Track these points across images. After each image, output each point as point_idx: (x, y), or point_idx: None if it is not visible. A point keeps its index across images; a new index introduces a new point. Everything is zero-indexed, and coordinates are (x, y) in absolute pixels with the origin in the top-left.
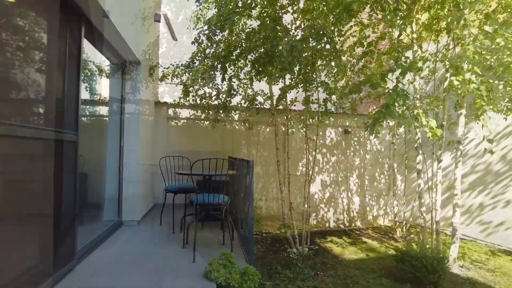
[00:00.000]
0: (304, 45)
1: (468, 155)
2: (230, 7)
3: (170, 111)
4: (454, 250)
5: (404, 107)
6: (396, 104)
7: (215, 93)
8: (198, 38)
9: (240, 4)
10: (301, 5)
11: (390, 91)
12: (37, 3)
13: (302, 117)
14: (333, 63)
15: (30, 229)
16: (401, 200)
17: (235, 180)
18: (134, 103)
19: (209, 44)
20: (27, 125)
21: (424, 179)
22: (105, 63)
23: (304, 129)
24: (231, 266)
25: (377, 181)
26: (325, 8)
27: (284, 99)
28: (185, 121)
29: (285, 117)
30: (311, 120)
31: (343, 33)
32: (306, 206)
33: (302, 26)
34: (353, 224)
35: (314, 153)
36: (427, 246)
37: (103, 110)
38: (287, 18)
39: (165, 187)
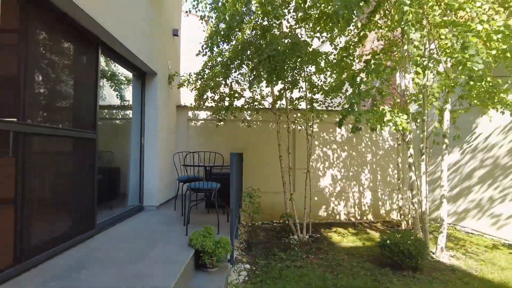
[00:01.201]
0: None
1: (478, 149)
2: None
3: (190, 113)
4: (442, 239)
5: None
6: (355, 104)
7: (217, 97)
8: (201, 50)
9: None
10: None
11: (351, 94)
12: (63, 35)
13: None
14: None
15: (63, 203)
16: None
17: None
18: (152, 107)
19: (214, 54)
20: (62, 128)
21: (424, 171)
22: (131, 74)
23: (303, 126)
24: (209, 236)
25: (391, 176)
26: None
27: (280, 100)
28: (202, 122)
29: (287, 116)
30: (316, 118)
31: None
32: (305, 197)
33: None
34: (364, 218)
35: (310, 148)
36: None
37: (129, 113)
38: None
39: (177, 177)
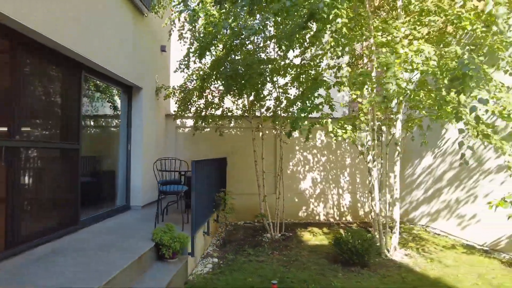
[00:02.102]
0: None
1: (447, 152)
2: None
3: (178, 121)
4: (394, 239)
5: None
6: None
7: (194, 108)
8: (178, 68)
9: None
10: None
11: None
12: (50, 63)
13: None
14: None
15: (50, 202)
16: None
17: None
18: (138, 118)
19: (194, 69)
20: (50, 141)
21: (377, 176)
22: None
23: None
24: (169, 232)
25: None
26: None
27: (252, 110)
28: (189, 129)
29: (260, 125)
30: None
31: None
32: (277, 199)
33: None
34: (343, 219)
35: (281, 153)
36: (373, 235)
37: (119, 122)
38: None
39: (158, 181)
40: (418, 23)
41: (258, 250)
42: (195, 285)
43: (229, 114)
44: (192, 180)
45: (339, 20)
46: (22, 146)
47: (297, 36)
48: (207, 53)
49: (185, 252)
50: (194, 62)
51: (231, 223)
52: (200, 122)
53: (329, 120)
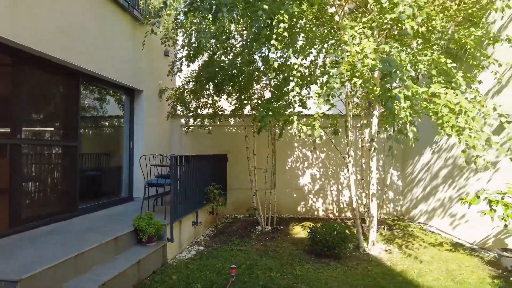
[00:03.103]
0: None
1: (442, 149)
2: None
3: (183, 120)
4: (372, 234)
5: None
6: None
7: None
8: (171, 71)
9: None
10: None
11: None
12: (50, 72)
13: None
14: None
15: (51, 192)
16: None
17: (209, 171)
18: (139, 118)
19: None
20: (53, 139)
21: (352, 171)
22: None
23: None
24: (147, 219)
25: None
26: None
27: (240, 109)
28: (193, 127)
29: (252, 122)
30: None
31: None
32: (271, 193)
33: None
34: (342, 215)
35: (274, 150)
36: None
37: (122, 123)
38: None
39: (155, 175)
40: (372, 22)
41: (244, 241)
42: (171, 266)
43: (220, 112)
44: (171, 174)
45: (281, 24)
46: (24, 144)
47: (262, 39)
48: (200, 56)
49: (163, 238)
50: (188, 66)
51: (231, 216)
52: (193, 121)
53: (295, 117)
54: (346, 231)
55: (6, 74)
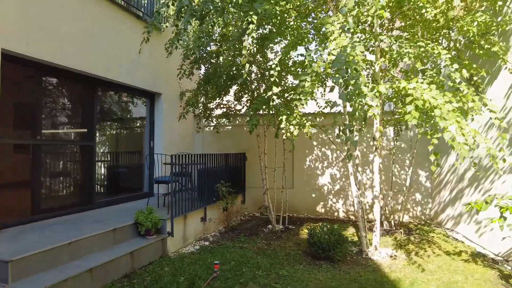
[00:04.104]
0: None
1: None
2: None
3: (204, 121)
4: (375, 239)
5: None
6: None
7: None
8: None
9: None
10: None
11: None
12: (68, 81)
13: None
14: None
15: (69, 186)
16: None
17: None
18: (159, 119)
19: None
20: (76, 141)
21: (352, 172)
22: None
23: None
24: (146, 214)
25: (396, 176)
26: None
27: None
28: (213, 127)
29: (262, 121)
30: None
31: None
32: (282, 192)
33: None
34: (365, 216)
35: (284, 149)
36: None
37: (143, 124)
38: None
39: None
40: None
41: (251, 238)
42: (169, 259)
43: (231, 112)
44: (170, 172)
45: (250, 26)
46: (44, 144)
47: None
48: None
49: (163, 231)
50: (197, 69)
51: (249, 214)
52: (205, 121)
53: (284, 117)
54: (345, 233)
55: (28, 83)
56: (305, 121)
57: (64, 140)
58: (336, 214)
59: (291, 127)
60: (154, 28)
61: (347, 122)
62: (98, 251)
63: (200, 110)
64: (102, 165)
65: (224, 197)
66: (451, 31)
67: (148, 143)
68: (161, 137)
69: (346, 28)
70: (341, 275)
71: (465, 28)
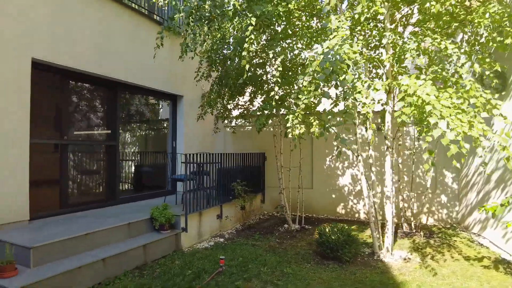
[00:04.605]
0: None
1: (494, 148)
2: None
3: (226, 121)
4: (387, 241)
5: None
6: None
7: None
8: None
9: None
10: None
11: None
12: (91, 83)
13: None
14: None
15: (95, 183)
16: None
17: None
18: (181, 120)
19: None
20: (100, 141)
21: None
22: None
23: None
24: (162, 209)
25: (420, 177)
26: None
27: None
28: (235, 127)
29: (279, 122)
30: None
31: None
32: (298, 192)
33: None
34: (379, 217)
35: (300, 149)
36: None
37: (167, 125)
38: None
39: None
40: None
41: (265, 237)
42: (182, 253)
43: (246, 113)
44: (185, 171)
45: (249, 27)
46: (70, 144)
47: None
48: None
49: (177, 227)
50: (216, 71)
51: (269, 213)
52: (222, 122)
53: (291, 116)
54: (361, 235)
55: (56, 88)
56: (312, 121)
57: (89, 140)
58: (356, 215)
59: (297, 125)
60: (173, 32)
61: (358, 121)
62: (113, 243)
63: (218, 111)
64: (127, 164)
65: (240, 196)
66: (465, 24)
67: (171, 143)
68: (183, 137)
69: (327, 26)
70: (346, 276)
71: (476, 21)
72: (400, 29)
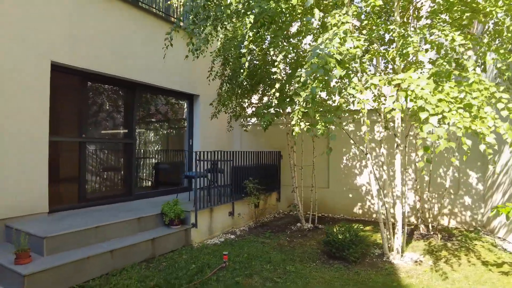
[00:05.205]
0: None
1: None
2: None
3: (242, 120)
4: (397, 242)
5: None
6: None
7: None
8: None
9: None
10: None
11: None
12: (111, 84)
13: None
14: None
15: (111, 180)
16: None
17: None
18: (197, 118)
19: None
20: (117, 139)
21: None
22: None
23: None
24: (172, 205)
25: (442, 177)
26: None
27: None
28: (251, 126)
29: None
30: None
31: None
32: (312, 191)
33: None
34: (406, 220)
35: (314, 147)
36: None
37: (184, 123)
38: None
39: (205, 169)
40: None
41: (275, 235)
42: (191, 248)
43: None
44: (195, 168)
45: (248, 25)
46: (88, 142)
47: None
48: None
49: (187, 222)
50: (227, 70)
51: (284, 212)
52: (236, 120)
53: (297, 112)
54: (375, 236)
55: (75, 89)
56: (318, 118)
57: (106, 138)
58: (374, 216)
59: (302, 123)
60: (188, 33)
61: (365, 119)
62: (123, 236)
63: (231, 110)
64: (144, 161)
65: (252, 194)
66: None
67: (188, 141)
68: (199, 135)
69: (312, 20)
70: (349, 276)
71: (487, 10)
72: (414, 22)
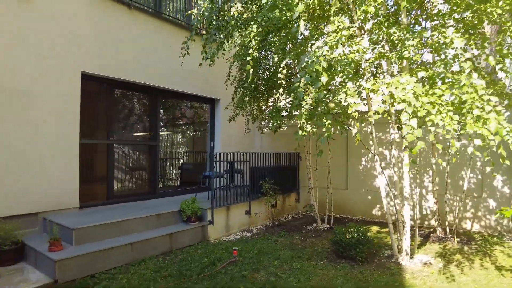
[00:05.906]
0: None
1: None
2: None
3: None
4: (405, 243)
5: None
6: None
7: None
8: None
9: None
10: None
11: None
12: (136, 90)
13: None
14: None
15: (137, 179)
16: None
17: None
18: (218, 121)
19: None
20: (142, 141)
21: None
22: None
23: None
24: (191, 202)
25: (463, 180)
26: None
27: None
28: (263, 127)
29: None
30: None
31: None
32: (327, 192)
33: None
34: (426, 223)
35: (329, 149)
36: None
37: (206, 127)
38: None
39: (224, 169)
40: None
41: (290, 234)
42: (207, 243)
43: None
44: (212, 168)
45: (251, 34)
46: (116, 143)
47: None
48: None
49: (204, 219)
50: (244, 74)
51: (302, 213)
52: (253, 122)
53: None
54: (384, 236)
55: (103, 95)
56: (325, 120)
57: (132, 140)
58: (393, 218)
59: (308, 126)
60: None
61: (371, 120)
62: (143, 230)
63: (248, 113)
64: (168, 162)
65: (268, 194)
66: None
67: (209, 143)
68: (220, 137)
69: (300, 29)
70: (353, 274)
71: (488, 10)
72: (424, 23)
